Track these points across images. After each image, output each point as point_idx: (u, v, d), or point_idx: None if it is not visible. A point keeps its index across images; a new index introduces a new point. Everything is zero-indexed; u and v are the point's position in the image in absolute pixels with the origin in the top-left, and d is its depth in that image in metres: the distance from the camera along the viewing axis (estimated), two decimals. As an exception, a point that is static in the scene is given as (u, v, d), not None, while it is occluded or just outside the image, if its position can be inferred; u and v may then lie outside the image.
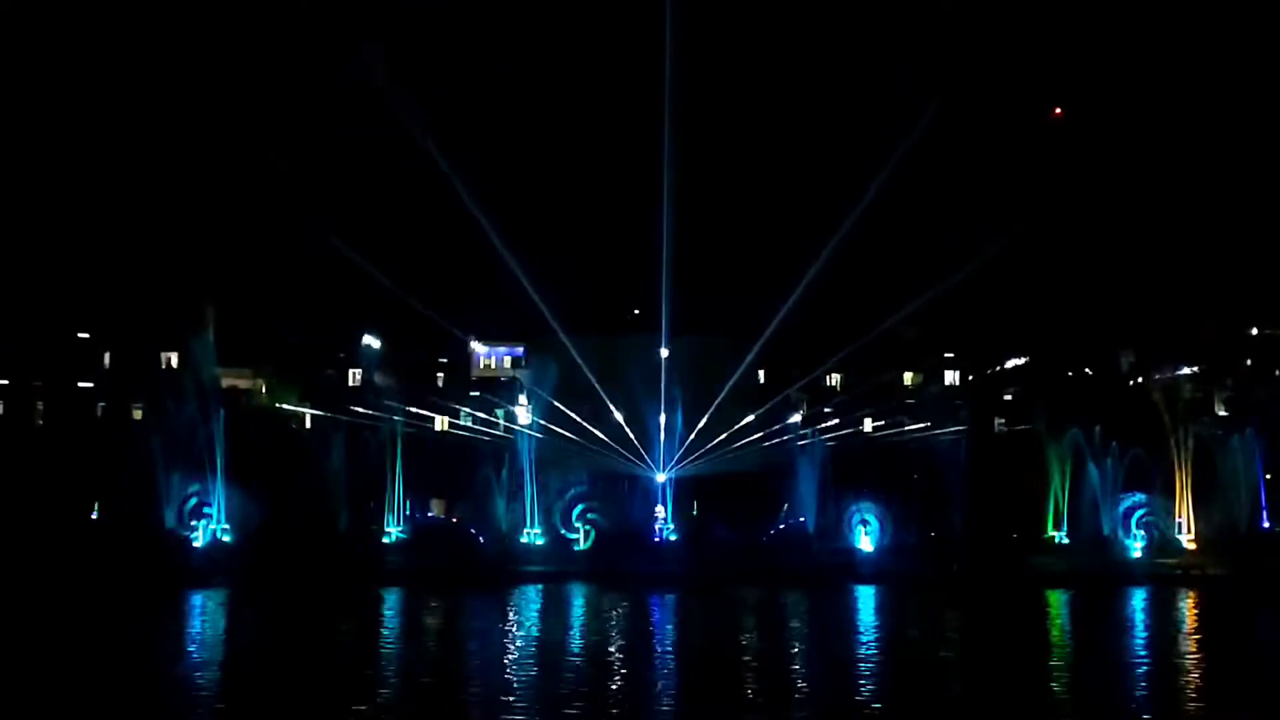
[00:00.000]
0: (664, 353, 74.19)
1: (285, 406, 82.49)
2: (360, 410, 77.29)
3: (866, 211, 74.48)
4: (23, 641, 38.61)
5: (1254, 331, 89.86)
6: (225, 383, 79.93)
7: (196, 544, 62.56)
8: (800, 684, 32.67)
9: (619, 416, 74.63)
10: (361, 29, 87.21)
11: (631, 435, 73.30)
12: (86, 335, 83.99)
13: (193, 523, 63.46)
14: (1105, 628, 45.79)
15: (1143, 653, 39.85)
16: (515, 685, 31.15)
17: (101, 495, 67.38)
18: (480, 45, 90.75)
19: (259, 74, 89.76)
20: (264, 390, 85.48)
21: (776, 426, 75.97)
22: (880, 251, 79.84)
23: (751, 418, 76.25)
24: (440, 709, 28.48)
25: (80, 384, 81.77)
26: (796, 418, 78.69)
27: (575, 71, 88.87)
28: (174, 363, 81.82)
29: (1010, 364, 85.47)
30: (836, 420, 79.42)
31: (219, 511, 63.61)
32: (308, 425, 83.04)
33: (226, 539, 63.30)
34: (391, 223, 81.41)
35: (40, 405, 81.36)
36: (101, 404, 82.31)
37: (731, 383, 76.38)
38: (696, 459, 72.34)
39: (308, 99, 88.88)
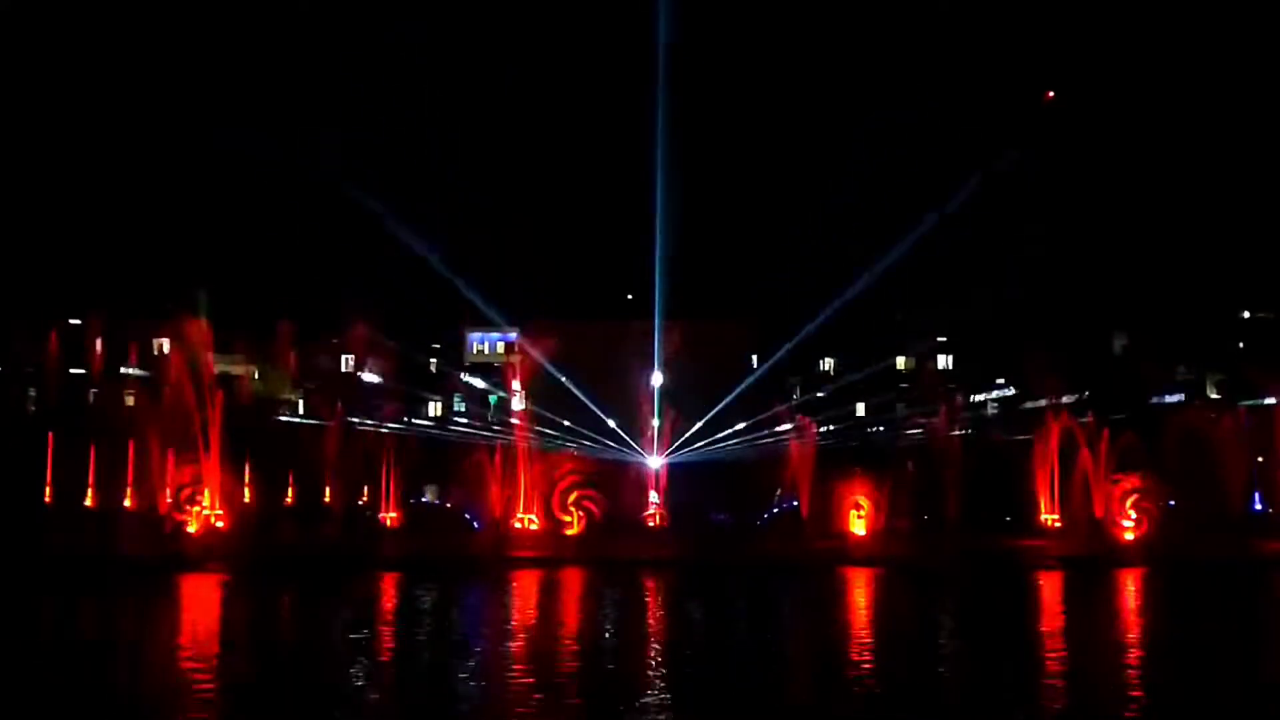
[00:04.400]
0: (658, 322, 74.18)
1: (278, 391, 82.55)
2: (353, 395, 77.34)
3: (859, 194, 74.60)
4: (18, 629, 38.55)
5: (1245, 315, 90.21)
6: (218, 369, 79.86)
7: (190, 530, 62.52)
8: (791, 667, 32.77)
9: (613, 401, 74.74)
10: (357, 11, 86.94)
11: (625, 421, 73.40)
12: (78, 321, 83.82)
13: (186, 508, 63.37)
14: (1096, 610, 46.02)
15: (1132, 634, 40.02)
16: (513, 672, 31.20)
17: (94, 482, 67.31)
18: (475, 34, 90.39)
19: (251, 60, 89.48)
20: (256, 376, 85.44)
21: (770, 411, 76.13)
22: (876, 236, 79.95)
23: (745, 402, 76.42)
24: (438, 696, 28.51)
25: (72, 370, 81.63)
26: (790, 402, 78.91)
27: (570, 59, 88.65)
28: (166, 349, 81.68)
29: (1003, 347, 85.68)
30: (830, 405, 79.64)
31: (212, 497, 63.53)
32: (300, 411, 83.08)
33: (220, 525, 63.24)
34: (389, 207, 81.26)
35: (32, 392, 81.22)
36: (94, 390, 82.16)
37: (721, 366, 76.57)
38: (689, 444, 72.47)
39: (303, 81, 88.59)
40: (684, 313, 77.26)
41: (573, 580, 54.83)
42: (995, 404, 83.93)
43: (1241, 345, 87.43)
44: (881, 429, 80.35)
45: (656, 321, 75.22)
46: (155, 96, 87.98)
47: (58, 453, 67.85)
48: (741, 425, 74.67)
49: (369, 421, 73.22)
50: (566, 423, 73.29)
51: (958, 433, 72.46)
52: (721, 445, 72.31)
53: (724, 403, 75.18)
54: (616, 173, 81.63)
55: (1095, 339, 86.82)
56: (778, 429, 73.62)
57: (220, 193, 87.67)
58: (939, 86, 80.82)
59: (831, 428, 74.66)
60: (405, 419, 77.93)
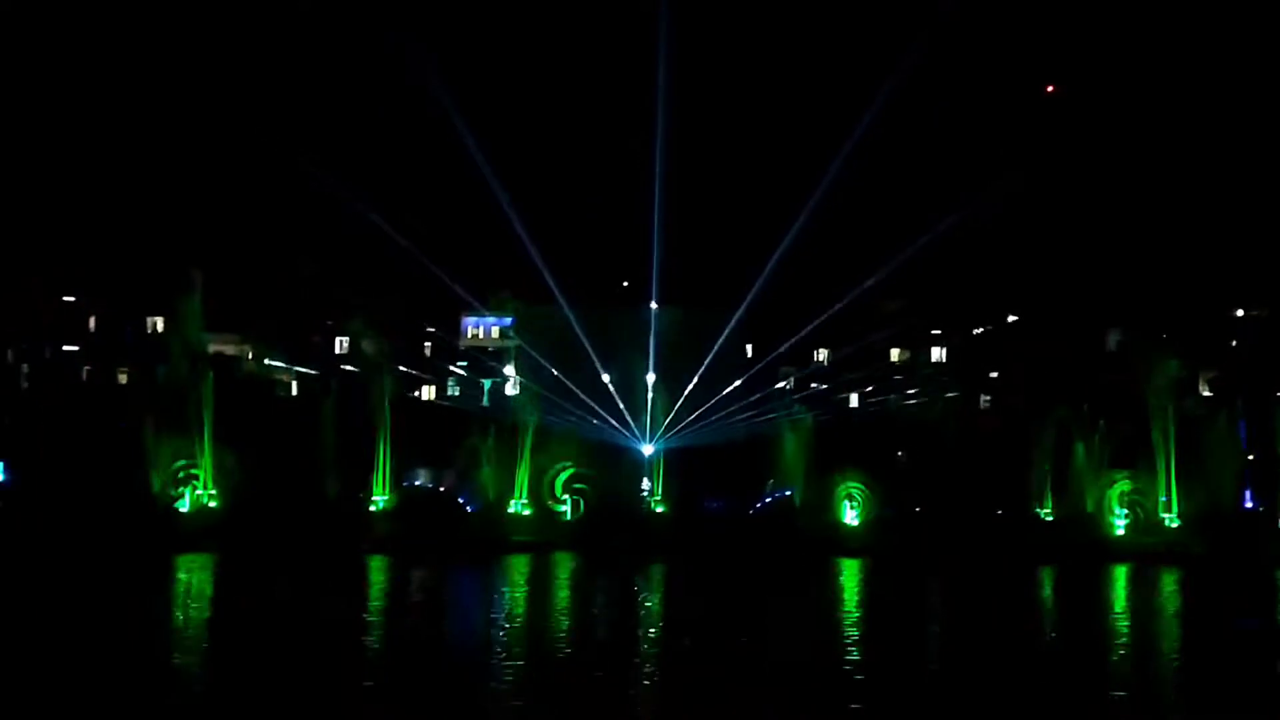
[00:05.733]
0: (653, 306, 74.00)
1: (272, 371, 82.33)
2: (347, 377, 77.18)
3: (858, 184, 74.48)
4: (11, 609, 38.50)
5: (1239, 312, 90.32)
6: (211, 348, 79.72)
7: (183, 509, 62.45)
8: (783, 655, 32.85)
9: (607, 387, 74.65)
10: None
11: (619, 407, 73.32)
12: (72, 299, 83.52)
13: (179, 488, 63.26)
14: (1084, 604, 46.28)
15: (1119, 628, 40.22)
16: (502, 657, 31.23)
17: (87, 460, 67.04)
18: (475, 19, 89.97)
19: (249, 41, 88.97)
20: (250, 356, 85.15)
21: (763, 399, 76.15)
22: (871, 226, 79.76)
23: (739, 390, 76.37)
24: (429, 682, 28.53)
25: (66, 348, 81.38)
26: (783, 390, 78.92)
27: (569, 41, 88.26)
28: (160, 327, 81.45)
29: (997, 341, 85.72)
30: (824, 394, 79.64)
31: (206, 477, 63.45)
32: (294, 392, 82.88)
33: (213, 505, 63.19)
34: (382, 189, 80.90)
35: (25, 369, 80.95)
36: (87, 368, 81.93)
37: (716, 353, 76.50)
38: (684, 431, 72.44)
39: (299, 61, 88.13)
40: (679, 300, 77.18)
41: (564, 566, 54.96)
42: (989, 398, 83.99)
43: (1235, 343, 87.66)
44: (875, 420, 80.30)
45: (652, 308, 75.10)
46: (155, 79, 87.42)
47: (51, 431, 67.63)
48: (736, 413, 74.64)
49: (361, 404, 72.94)
50: (560, 408, 73.21)
51: (951, 425, 72.44)
52: (716, 433, 72.27)
53: (718, 390, 75.12)
54: (614, 158, 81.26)
55: (1090, 335, 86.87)
56: (771, 418, 73.61)
57: (216, 173, 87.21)
58: (941, 77, 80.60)
59: (825, 418, 74.60)
60: (399, 402, 77.60)
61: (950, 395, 78.52)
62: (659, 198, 71.33)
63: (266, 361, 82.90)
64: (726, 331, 76.13)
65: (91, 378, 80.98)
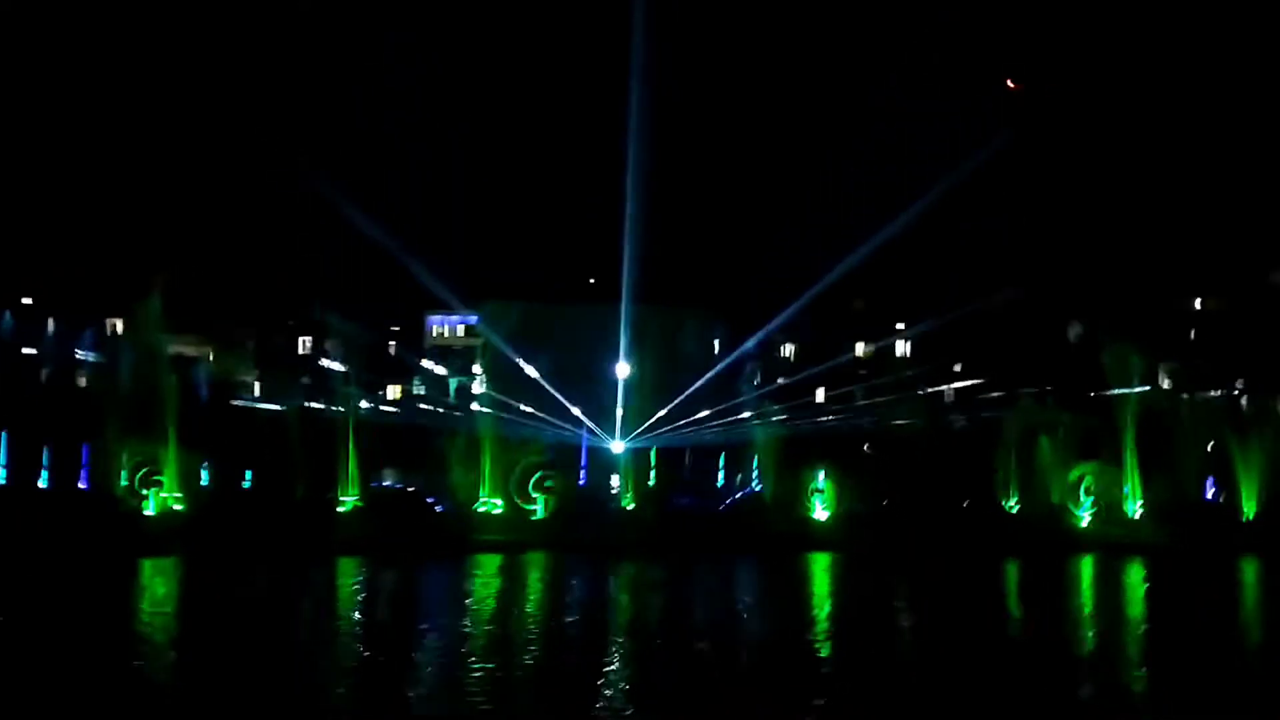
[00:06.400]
0: (624, 306, 74.03)
1: (235, 372, 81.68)
2: (310, 378, 76.76)
3: (827, 180, 74.96)
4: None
5: (1198, 304, 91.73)
6: (173, 349, 78.89)
7: (148, 512, 61.71)
8: (756, 649, 33.01)
9: (575, 385, 74.53)
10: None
11: (589, 405, 73.21)
12: (30, 301, 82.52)
13: (143, 491, 62.48)
14: (1050, 594, 46.84)
15: (1084, 619, 40.73)
16: (476, 657, 31.18)
17: (49, 463, 66.15)
18: (437, 11, 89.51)
19: (206, 40, 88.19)
20: (212, 358, 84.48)
21: (732, 397, 76.42)
22: (836, 220, 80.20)
23: (708, 387, 76.57)
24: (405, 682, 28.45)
25: (24, 350, 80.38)
26: (752, 387, 79.22)
27: (537, 31, 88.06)
28: (119, 329, 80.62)
29: (961, 334, 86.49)
30: (791, 391, 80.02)
31: (170, 479, 62.71)
32: (257, 393, 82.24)
33: (178, 507, 62.46)
34: (345, 185, 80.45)
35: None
36: (45, 370, 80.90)
37: (686, 351, 76.67)
38: (654, 429, 72.51)
39: (259, 57, 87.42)
40: (648, 298, 77.20)
41: (535, 564, 54.92)
42: (954, 391, 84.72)
43: (1193, 336, 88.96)
44: (842, 415, 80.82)
45: (623, 306, 74.99)
46: (113, 81, 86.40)
47: (11, 434, 66.65)
48: (706, 411, 74.81)
49: (327, 404, 72.54)
50: (528, 406, 73.03)
51: (917, 419, 73.00)
52: (686, 430, 72.42)
53: (689, 388, 75.24)
54: (583, 155, 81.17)
55: (1051, 328, 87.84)
56: (741, 414, 73.86)
57: (176, 173, 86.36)
58: (908, 75, 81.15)
59: (793, 413, 74.97)
60: (365, 402, 77.36)
61: (916, 389, 79.02)
62: (630, 192, 71.20)
63: (228, 363, 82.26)
64: (698, 329, 76.36)
65: (51, 380, 79.98)
